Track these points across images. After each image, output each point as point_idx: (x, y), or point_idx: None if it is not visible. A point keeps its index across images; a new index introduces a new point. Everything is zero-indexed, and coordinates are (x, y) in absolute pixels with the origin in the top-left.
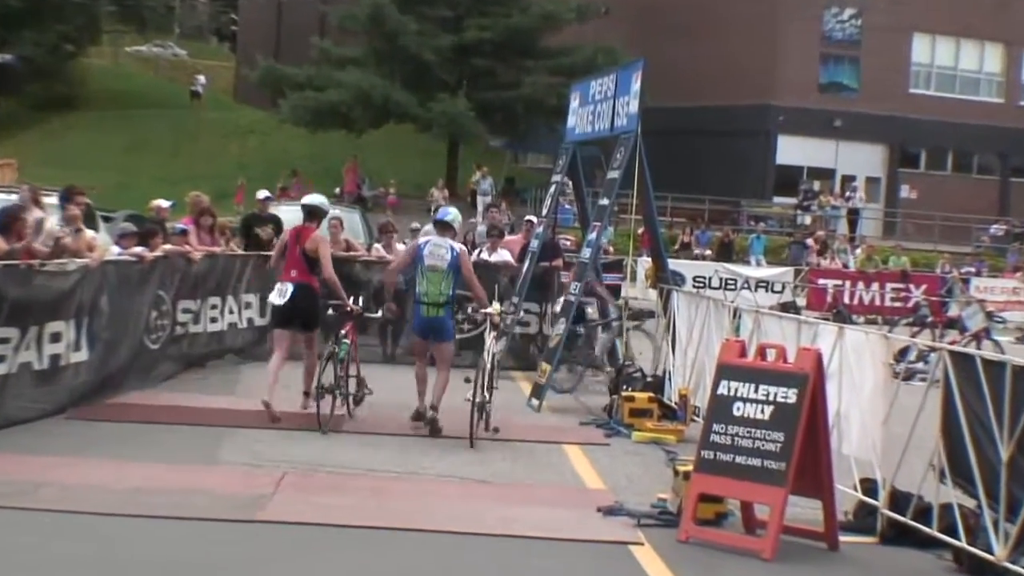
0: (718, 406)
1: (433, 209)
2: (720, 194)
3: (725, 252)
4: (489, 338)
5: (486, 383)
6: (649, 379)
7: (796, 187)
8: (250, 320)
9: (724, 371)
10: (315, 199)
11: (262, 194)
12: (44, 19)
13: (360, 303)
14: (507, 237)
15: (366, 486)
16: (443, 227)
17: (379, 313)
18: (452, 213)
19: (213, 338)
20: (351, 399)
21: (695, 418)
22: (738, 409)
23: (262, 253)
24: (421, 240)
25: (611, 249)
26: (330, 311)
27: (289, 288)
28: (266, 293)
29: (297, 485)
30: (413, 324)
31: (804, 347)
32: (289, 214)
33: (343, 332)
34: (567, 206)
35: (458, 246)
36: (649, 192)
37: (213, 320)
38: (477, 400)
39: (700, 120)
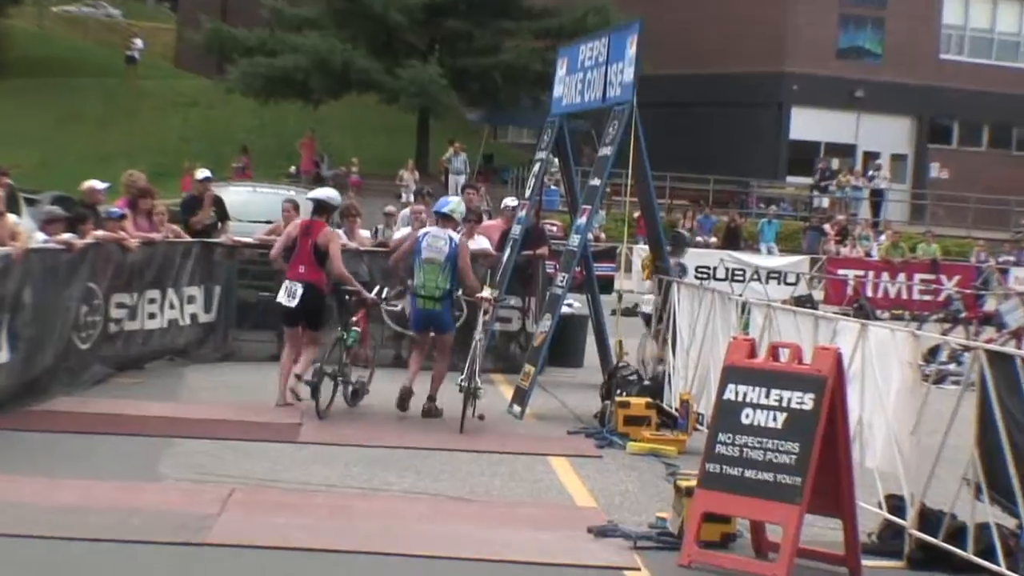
0: (724, 413)
1: (414, 192)
2: (727, 173)
3: (732, 239)
4: (481, 321)
5: (476, 367)
6: (646, 383)
7: (812, 165)
8: (193, 316)
9: (731, 373)
10: (324, 193)
11: (201, 174)
12: None
13: (383, 293)
14: (485, 222)
15: (325, 504)
16: (444, 219)
17: (399, 307)
18: (452, 203)
19: (152, 337)
20: (350, 388)
21: (698, 427)
22: (747, 416)
23: (206, 240)
24: (420, 231)
25: (603, 236)
26: (348, 297)
27: (299, 289)
28: (211, 285)
29: (247, 503)
30: (410, 317)
31: (822, 346)
32: (239, 196)
33: (354, 319)
34: (553, 187)
35: (458, 237)
36: (646, 171)
37: (152, 316)
38: (469, 385)
39: (704, 90)
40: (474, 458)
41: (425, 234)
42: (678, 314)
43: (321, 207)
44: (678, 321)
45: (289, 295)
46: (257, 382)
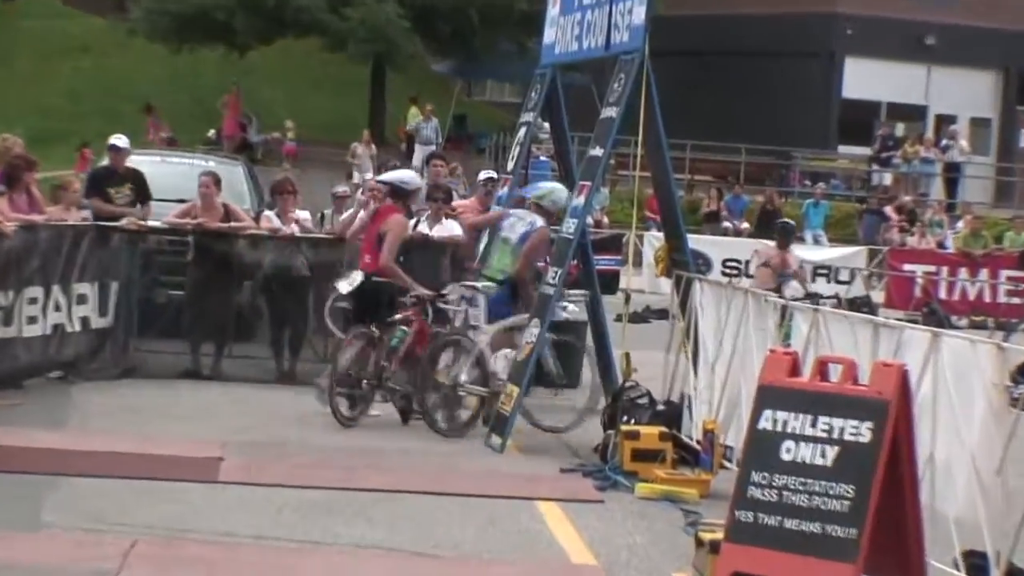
0: (760, 447)
1: (378, 165)
2: (762, 142)
3: (768, 225)
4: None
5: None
6: (660, 407)
7: (870, 132)
8: (85, 321)
9: (768, 396)
10: (396, 175)
11: (120, 141)
12: None
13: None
14: (456, 201)
15: (251, 560)
16: (538, 210)
17: (459, 303)
18: (542, 190)
19: (32, 346)
20: (399, 401)
21: (726, 464)
22: (788, 451)
23: (113, 224)
24: (506, 212)
25: (605, 220)
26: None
27: (358, 277)
28: (108, 281)
29: (153, 558)
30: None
31: (882, 362)
32: (143, 168)
33: (400, 317)
34: (542, 158)
35: (540, 222)
36: (660, 138)
37: (32, 321)
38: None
39: (735, 36)
40: (441, 503)
41: (511, 215)
42: (701, 320)
43: (394, 192)
44: (701, 329)
45: (348, 283)
46: (166, 404)
